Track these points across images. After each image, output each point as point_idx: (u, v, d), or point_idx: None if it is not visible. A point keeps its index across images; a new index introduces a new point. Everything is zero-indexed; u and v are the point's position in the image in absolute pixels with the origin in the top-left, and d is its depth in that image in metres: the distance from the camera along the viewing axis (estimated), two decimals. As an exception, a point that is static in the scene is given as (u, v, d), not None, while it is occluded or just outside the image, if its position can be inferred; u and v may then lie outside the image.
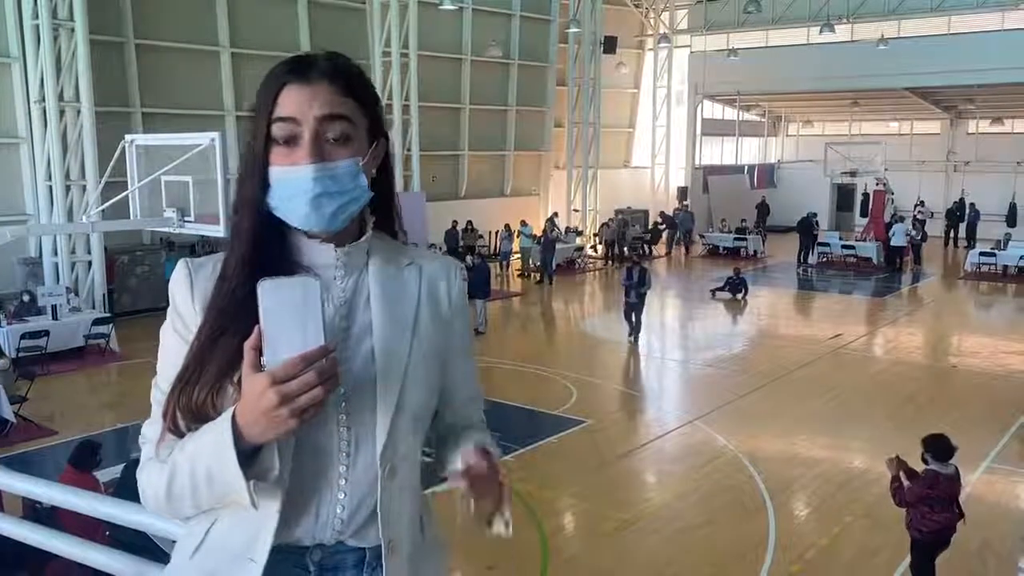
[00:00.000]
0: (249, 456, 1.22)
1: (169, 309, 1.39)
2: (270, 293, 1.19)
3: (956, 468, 6.40)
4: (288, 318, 1.18)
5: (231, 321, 1.27)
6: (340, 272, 1.38)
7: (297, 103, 1.29)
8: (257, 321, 1.19)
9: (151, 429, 1.33)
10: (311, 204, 1.30)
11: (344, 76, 1.33)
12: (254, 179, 1.32)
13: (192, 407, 1.27)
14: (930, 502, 6.25)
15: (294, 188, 1.30)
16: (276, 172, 1.31)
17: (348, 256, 1.38)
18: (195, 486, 1.26)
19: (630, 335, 15.37)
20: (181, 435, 1.28)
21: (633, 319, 15.30)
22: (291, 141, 1.30)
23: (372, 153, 1.37)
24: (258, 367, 1.18)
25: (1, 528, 2.37)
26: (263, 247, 1.33)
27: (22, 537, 2.30)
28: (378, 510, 1.36)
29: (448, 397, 1.51)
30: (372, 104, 1.37)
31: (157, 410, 1.33)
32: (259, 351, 1.18)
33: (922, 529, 6.35)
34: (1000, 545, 7.62)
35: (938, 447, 6.35)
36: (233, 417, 1.20)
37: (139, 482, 1.35)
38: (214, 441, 1.22)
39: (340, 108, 1.31)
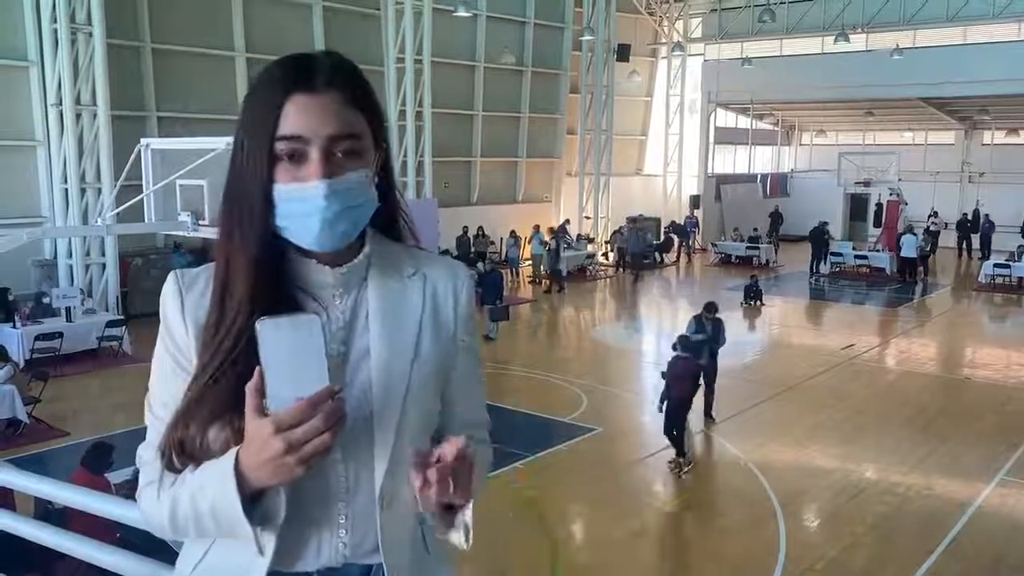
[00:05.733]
0: (252, 497, 1.19)
1: (161, 326, 1.32)
2: (270, 333, 1.12)
3: (690, 355, 9.77)
4: (289, 358, 1.12)
5: (230, 358, 1.21)
6: (339, 290, 1.31)
7: (305, 120, 1.21)
8: (256, 359, 1.13)
9: (147, 452, 1.29)
10: (325, 223, 1.22)
11: (351, 84, 1.26)
12: (257, 197, 1.23)
13: (182, 447, 1.23)
14: (677, 376, 9.60)
15: (307, 207, 1.22)
16: (284, 190, 1.22)
17: (346, 276, 1.31)
18: (199, 522, 1.23)
19: (709, 415, 11.38)
20: (178, 471, 1.25)
21: (704, 389, 11.10)
22: (296, 157, 1.22)
23: (375, 163, 1.30)
24: (261, 411, 1.13)
25: (13, 527, 2.38)
26: (264, 271, 1.25)
27: (34, 537, 2.31)
28: (379, 541, 1.32)
29: (447, 420, 1.42)
30: (377, 113, 1.30)
31: (152, 432, 1.29)
32: (262, 393, 1.13)
33: (672, 390, 9.58)
34: (1013, 557, 7.57)
35: (683, 344, 9.91)
36: (237, 458, 1.16)
37: (140, 506, 1.32)
38: (217, 481, 1.18)
39: (350, 126, 1.23)
